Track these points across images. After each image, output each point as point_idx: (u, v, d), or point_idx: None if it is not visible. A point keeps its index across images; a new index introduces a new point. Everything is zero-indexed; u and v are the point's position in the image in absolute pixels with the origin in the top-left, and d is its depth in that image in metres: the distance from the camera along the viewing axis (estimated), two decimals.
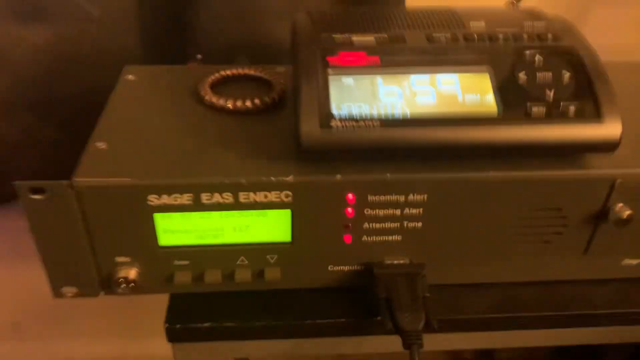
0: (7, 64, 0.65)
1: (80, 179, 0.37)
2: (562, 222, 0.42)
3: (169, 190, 0.38)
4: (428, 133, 0.37)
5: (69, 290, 0.42)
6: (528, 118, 0.37)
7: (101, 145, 0.41)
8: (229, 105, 0.44)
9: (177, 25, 0.67)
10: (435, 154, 0.38)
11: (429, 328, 0.39)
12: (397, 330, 0.39)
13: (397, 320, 0.39)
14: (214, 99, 0.45)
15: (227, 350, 0.44)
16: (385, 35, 0.40)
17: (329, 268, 0.43)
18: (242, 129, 0.43)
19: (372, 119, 0.37)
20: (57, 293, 0.43)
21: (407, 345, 0.38)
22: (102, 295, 0.43)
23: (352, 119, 0.37)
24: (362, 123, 0.37)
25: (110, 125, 0.43)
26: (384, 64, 0.39)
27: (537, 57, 0.40)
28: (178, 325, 0.42)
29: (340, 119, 0.37)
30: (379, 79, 0.38)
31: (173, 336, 0.42)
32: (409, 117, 0.37)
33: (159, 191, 0.38)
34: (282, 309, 0.43)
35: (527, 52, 0.40)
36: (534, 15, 0.44)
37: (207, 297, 0.43)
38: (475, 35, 0.41)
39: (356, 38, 0.40)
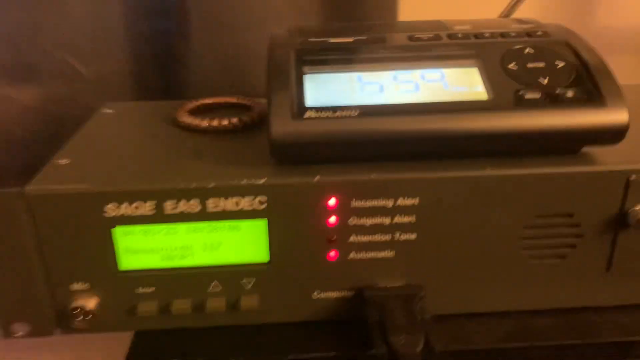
0: None
1: (32, 187, 0.34)
2: (575, 232, 0.37)
3: (129, 197, 0.34)
4: (411, 122, 0.34)
5: (20, 327, 0.37)
6: (521, 102, 0.34)
7: (62, 161, 0.38)
8: (204, 124, 0.42)
9: (168, 85, 0.67)
10: (421, 146, 0.34)
11: (429, 353, 0.33)
12: (392, 354, 0.33)
13: (392, 343, 0.33)
14: (189, 120, 0.42)
15: None
16: (365, 37, 0.38)
17: (314, 295, 0.38)
18: (217, 145, 0.40)
19: (349, 108, 0.33)
20: (6, 331, 0.37)
21: None
22: (58, 334, 0.38)
23: (327, 109, 0.33)
24: (338, 113, 0.33)
25: (75, 146, 0.40)
26: (362, 60, 0.37)
27: (528, 49, 0.37)
28: None
29: (315, 110, 0.33)
30: (358, 75, 0.36)
31: None
32: (389, 105, 0.34)
33: (118, 199, 0.34)
34: (262, 345, 0.37)
35: (517, 46, 0.37)
36: (524, 20, 0.42)
37: (176, 333, 0.38)
38: (460, 34, 0.38)
39: (334, 40, 0.38)
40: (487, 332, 0.38)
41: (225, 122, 0.42)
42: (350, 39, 0.38)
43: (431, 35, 0.38)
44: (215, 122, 0.42)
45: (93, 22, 0.62)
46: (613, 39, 0.72)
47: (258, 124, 0.43)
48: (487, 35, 0.38)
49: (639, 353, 0.38)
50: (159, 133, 0.42)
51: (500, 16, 0.52)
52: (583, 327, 0.38)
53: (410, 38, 0.38)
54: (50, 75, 0.63)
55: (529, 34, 0.39)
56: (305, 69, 0.36)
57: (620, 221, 0.36)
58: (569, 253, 0.37)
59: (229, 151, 0.39)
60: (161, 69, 0.66)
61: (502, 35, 0.38)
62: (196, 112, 0.45)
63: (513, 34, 0.38)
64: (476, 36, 0.38)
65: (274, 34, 0.40)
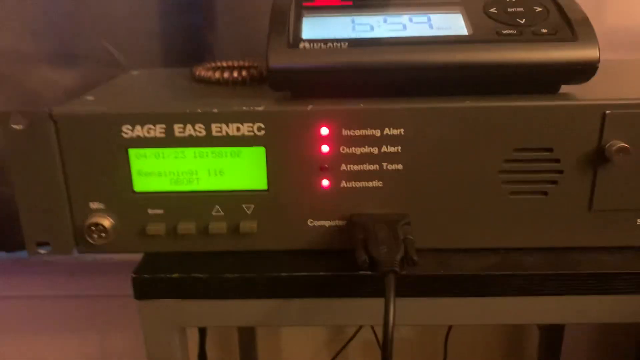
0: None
1: (59, 109, 0.38)
2: (556, 167, 0.39)
3: (142, 120, 0.38)
4: (396, 53, 0.37)
5: (42, 246, 0.41)
6: (499, 37, 0.37)
7: (88, 97, 0.42)
8: (217, 76, 0.46)
9: None
10: (405, 77, 0.38)
11: (409, 264, 0.36)
12: (373, 263, 0.35)
13: (372, 252, 0.36)
14: (204, 73, 0.47)
15: (196, 311, 0.40)
16: None
17: (309, 223, 0.41)
18: (226, 90, 0.44)
19: (340, 41, 0.37)
20: (32, 250, 0.42)
21: (381, 273, 0.34)
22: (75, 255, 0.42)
23: (320, 41, 0.37)
24: (329, 45, 0.37)
25: (100, 90, 0.45)
26: (357, 6, 0.40)
27: None
28: (145, 275, 0.39)
29: (309, 41, 0.37)
30: (351, 17, 0.40)
31: (139, 289, 0.40)
32: (377, 38, 0.37)
33: (132, 121, 0.38)
34: (258, 265, 0.40)
35: None
36: None
37: (181, 255, 0.41)
38: None
39: None
40: (471, 263, 0.40)
41: (235, 74, 0.46)
42: None
43: None
44: (226, 74, 0.46)
45: (132, 13, 0.68)
46: (623, 38, 0.74)
47: (265, 78, 0.47)
48: None
49: (619, 287, 0.39)
50: (176, 84, 0.47)
51: None
52: (565, 263, 0.40)
53: None
54: (90, 62, 0.69)
55: None
56: (304, 12, 0.40)
57: (598, 156, 0.38)
58: (550, 189, 0.39)
59: (236, 94, 0.43)
60: (191, 59, 0.71)
61: None
62: (213, 69, 0.50)
63: None
64: None
65: None
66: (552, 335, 0.79)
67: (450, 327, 0.79)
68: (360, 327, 0.81)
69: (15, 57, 0.68)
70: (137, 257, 0.42)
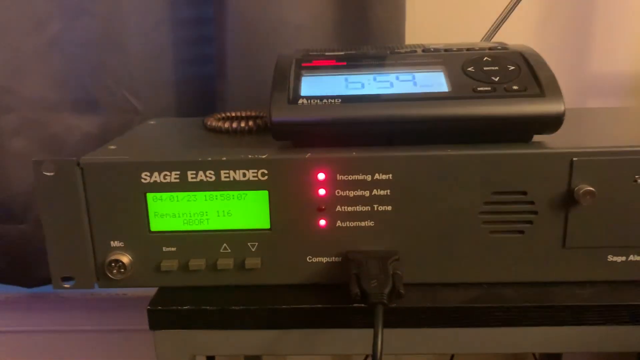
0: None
1: (86, 157, 0.43)
2: (530, 209, 0.43)
3: (159, 167, 0.43)
4: (384, 108, 0.42)
5: (67, 281, 0.46)
6: (475, 93, 0.42)
7: (111, 147, 0.47)
8: (226, 125, 0.51)
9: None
10: (393, 129, 0.42)
11: (397, 296, 0.40)
12: (364, 295, 0.39)
13: (364, 286, 0.40)
14: (215, 123, 0.52)
15: (206, 340, 0.44)
16: (354, 51, 0.48)
17: (308, 259, 0.45)
18: (234, 139, 0.49)
19: (334, 97, 0.42)
20: (57, 284, 0.46)
21: (371, 305, 0.38)
22: (92, 291, 0.46)
23: (317, 97, 0.42)
24: (325, 101, 0.42)
25: (121, 140, 0.50)
26: (350, 66, 0.46)
27: (485, 58, 0.45)
28: (159, 308, 0.44)
29: (307, 98, 0.42)
30: (345, 76, 0.45)
31: (154, 321, 0.44)
32: (367, 95, 0.42)
33: (151, 168, 0.43)
34: (261, 298, 0.44)
35: (476, 55, 0.46)
36: (495, 42, 0.50)
37: (192, 289, 0.45)
38: (432, 49, 0.47)
39: (329, 53, 0.48)
40: (456, 295, 0.44)
41: (242, 124, 0.51)
42: (341, 52, 0.47)
43: (408, 50, 0.47)
44: (234, 124, 0.51)
45: (149, 64, 0.74)
46: (606, 83, 0.79)
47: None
48: (454, 49, 0.47)
49: (593, 319, 0.43)
50: (190, 133, 0.52)
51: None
52: (542, 296, 0.44)
53: (391, 51, 0.47)
54: (109, 108, 0.75)
55: (490, 48, 0.47)
56: (303, 72, 0.45)
57: (569, 198, 0.42)
58: (526, 229, 0.43)
59: (243, 143, 0.48)
60: (204, 108, 0.76)
61: (467, 49, 0.47)
62: (222, 120, 0.55)
63: (477, 49, 0.47)
64: (445, 50, 0.47)
65: (281, 52, 0.50)
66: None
67: (452, 356, 0.82)
68: (367, 356, 0.83)
69: (41, 103, 0.73)
70: (149, 293, 0.46)
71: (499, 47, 0.47)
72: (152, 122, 0.58)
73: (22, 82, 0.73)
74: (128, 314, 0.85)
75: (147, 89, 0.74)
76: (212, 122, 0.52)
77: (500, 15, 0.60)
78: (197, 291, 0.45)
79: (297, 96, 0.43)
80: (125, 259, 0.45)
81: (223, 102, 0.74)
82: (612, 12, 0.77)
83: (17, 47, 0.71)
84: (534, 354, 0.87)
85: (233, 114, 0.56)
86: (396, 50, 0.47)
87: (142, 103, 0.75)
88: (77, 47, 0.73)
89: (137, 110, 0.75)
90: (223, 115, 0.56)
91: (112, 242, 0.45)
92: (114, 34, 0.72)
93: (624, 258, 0.44)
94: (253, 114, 0.56)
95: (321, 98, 0.42)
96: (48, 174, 0.43)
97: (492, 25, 0.60)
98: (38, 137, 0.74)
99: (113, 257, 0.45)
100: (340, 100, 0.42)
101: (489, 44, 0.49)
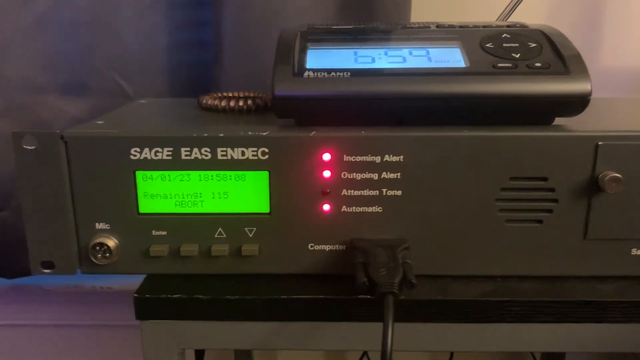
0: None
1: (71, 130, 0.40)
2: (551, 196, 0.40)
3: (150, 143, 0.39)
4: (396, 83, 0.39)
5: (47, 265, 0.42)
6: (495, 69, 0.39)
7: (98, 121, 0.44)
8: (223, 104, 0.48)
9: None
10: (405, 106, 0.39)
11: (408, 286, 0.36)
12: (373, 285, 0.36)
13: (372, 275, 0.36)
14: (210, 101, 0.48)
15: (197, 332, 0.41)
16: (362, 26, 0.44)
17: (310, 247, 0.41)
18: (232, 118, 0.46)
19: (343, 71, 0.39)
20: (37, 270, 0.42)
21: (381, 294, 0.35)
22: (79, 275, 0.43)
23: (324, 70, 0.39)
24: (333, 74, 0.39)
25: (110, 115, 0.47)
26: (359, 39, 0.42)
27: (504, 35, 0.42)
28: (147, 295, 0.40)
29: (314, 70, 0.39)
30: (354, 50, 0.41)
31: (141, 310, 0.40)
32: (378, 69, 0.39)
33: (141, 144, 0.39)
34: (258, 288, 0.41)
35: (495, 32, 0.42)
36: (513, 22, 0.47)
37: (183, 276, 0.42)
38: (447, 25, 0.44)
39: (336, 27, 0.44)
40: (469, 289, 0.41)
41: (240, 103, 0.48)
42: (350, 26, 0.44)
43: (421, 25, 0.44)
44: (232, 103, 0.48)
45: (141, 47, 0.70)
46: (614, 78, 0.76)
47: (270, 108, 0.48)
48: (470, 26, 0.44)
49: (615, 316, 0.40)
50: (183, 111, 0.48)
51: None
52: (561, 290, 0.40)
53: (403, 27, 0.44)
54: (99, 93, 0.71)
55: (508, 26, 0.44)
56: (309, 44, 0.42)
57: (592, 186, 0.39)
58: (545, 218, 0.40)
59: (241, 121, 0.44)
60: (198, 95, 0.73)
61: (484, 26, 0.44)
62: (219, 98, 0.51)
63: (494, 26, 0.44)
64: (461, 26, 0.44)
65: (285, 27, 0.47)
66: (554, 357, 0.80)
67: (452, 354, 0.79)
68: (364, 353, 0.80)
69: (27, 85, 0.69)
70: (136, 286, 0.42)
71: (518, 25, 0.44)
72: (142, 102, 0.55)
73: (7, 62, 0.69)
74: (113, 308, 0.81)
75: (139, 73, 0.71)
76: (208, 100, 0.49)
77: (505, 10, 0.57)
78: (189, 279, 0.42)
79: (302, 69, 0.39)
80: (111, 242, 0.41)
81: (218, 88, 0.71)
82: (620, 7, 0.75)
83: (2, 26, 0.68)
84: (532, 354, 0.84)
85: (230, 94, 0.53)
86: (408, 26, 0.44)
87: (134, 88, 0.71)
88: (66, 27, 0.69)
89: (129, 95, 0.71)
90: (220, 94, 0.52)
91: (97, 224, 0.41)
92: (106, 14, 0.69)
93: None
94: (252, 94, 0.53)
95: (329, 71, 0.39)
96: (29, 147, 0.39)
97: (499, 17, 0.57)
98: (23, 121, 0.71)
99: (98, 240, 0.41)
100: (349, 74, 0.39)
101: (506, 23, 0.46)
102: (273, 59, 0.40)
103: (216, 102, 0.48)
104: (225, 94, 0.53)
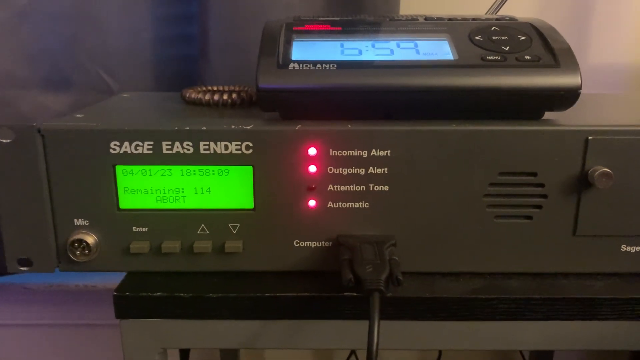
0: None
1: (48, 123, 0.39)
2: (540, 192, 0.39)
3: (130, 136, 0.38)
4: (384, 76, 0.38)
5: (25, 262, 0.41)
6: (484, 62, 0.38)
7: (78, 115, 0.43)
8: (207, 97, 0.47)
9: None
10: (393, 99, 0.38)
11: (395, 283, 0.35)
12: (358, 282, 0.35)
13: (358, 271, 0.35)
14: (194, 94, 0.47)
15: (179, 331, 0.39)
16: (349, 18, 0.44)
17: (295, 244, 0.40)
18: (215, 112, 0.45)
19: (329, 63, 0.38)
20: (13, 267, 0.41)
21: (367, 292, 0.34)
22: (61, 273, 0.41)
23: (309, 62, 0.38)
24: (319, 66, 0.38)
25: (90, 109, 0.46)
26: (346, 32, 0.41)
27: (493, 28, 0.41)
28: (127, 294, 0.39)
29: (299, 62, 0.38)
30: (340, 41, 0.41)
31: (121, 308, 0.39)
32: (365, 61, 0.38)
33: (121, 137, 0.38)
34: (242, 286, 0.40)
35: (484, 24, 0.42)
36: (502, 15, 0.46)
37: (164, 274, 0.41)
38: (435, 18, 0.43)
39: (322, 18, 0.43)
40: (457, 286, 0.40)
41: (225, 97, 0.47)
42: (336, 18, 0.43)
43: (409, 18, 0.43)
44: (216, 97, 0.47)
45: (125, 41, 0.69)
46: (603, 75, 0.76)
47: (255, 102, 0.47)
48: (459, 18, 0.43)
49: (605, 313, 0.39)
50: (166, 105, 0.47)
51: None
52: (550, 287, 0.40)
53: (391, 19, 0.43)
54: (83, 87, 0.70)
55: (498, 19, 0.43)
56: (294, 36, 0.41)
57: (582, 181, 0.39)
58: (535, 214, 0.40)
59: (225, 115, 0.43)
60: (183, 88, 0.72)
61: (473, 19, 0.43)
62: (203, 92, 0.50)
63: (483, 19, 0.43)
64: (449, 19, 0.43)
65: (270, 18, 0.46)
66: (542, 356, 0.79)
67: (440, 353, 0.78)
68: (352, 352, 0.79)
69: (8, 80, 0.68)
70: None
71: (507, 18, 0.43)
72: (125, 95, 0.53)
73: None
74: (95, 307, 0.80)
75: (123, 68, 0.70)
76: (192, 94, 0.48)
77: (494, 4, 0.57)
78: (171, 277, 0.41)
79: (287, 60, 0.38)
80: (90, 239, 0.40)
81: (204, 83, 0.70)
82: (608, 4, 0.75)
83: None
84: (521, 352, 0.84)
85: (215, 88, 0.52)
86: (396, 18, 0.43)
87: (118, 83, 0.70)
88: (48, 20, 0.68)
89: (112, 91, 0.70)
90: (204, 88, 0.51)
91: (75, 220, 0.40)
92: (89, 7, 0.68)
93: (638, 248, 0.40)
94: (237, 88, 0.52)
95: (314, 63, 0.38)
96: (4, 140, 0.38)
97: (487, 12, 0.56)
98: (3, 116, 0.69)
99: (76, 237, 0.40)
100: (335, 66, 0.38)
101: (495, 16, 0.45)
102: (257, 55, 0.39)
103: (200, 95, 0.47)
104: (209, 88, 0.51)
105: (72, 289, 0.80)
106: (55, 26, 0.67)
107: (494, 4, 0.52)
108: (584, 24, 0.76)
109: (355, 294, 0.38)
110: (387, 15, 0.45)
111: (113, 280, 0.41)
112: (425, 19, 0.43)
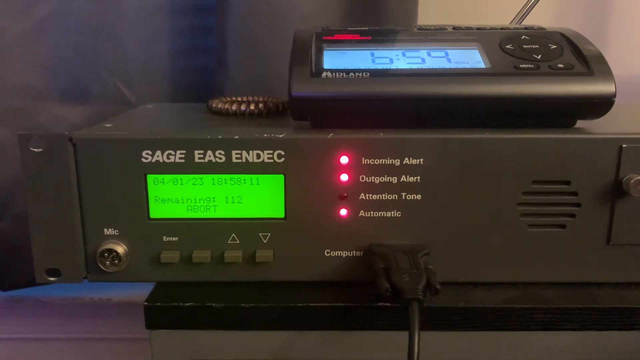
0: None
1: (80, 132, 0.38)
2: (574, 200, 0.39)
3: (163, 145, 0.38)
4: (416, 84, 0.38)
5: (53, 273, 0.40)
6: (516, 70, 0.38)
7: (107, 125, 0.42)
8: (234, 108, 0.47)
9: None
10: (425, 108, 0.38)
11: (432, 292, 0.35)
12: (396, 292, 0.35)
13: (395, 281, 0.35)
14: (220, 105, 0.47)
15: (210, 342, 0.39)
16: (378, 27, 0.44)
17: (326, 253, 0.40)
18: (242, 121, 0.45)
19: (362, 71, 0.38)
20: (41, 277, 0.41)
21: (405, 301, 0.34)
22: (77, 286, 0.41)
23: (342, 71, 0.38)
24: (351, 75, 0.38)
25: (117, 119, 0.45)
26: (375, 41, 0.41)
27: (524, 36, 0.41)
28: (158, 304, 0.38)
29: (331, 71, 0.38)
30: (371, 50, 0.41)
31: (151, 319, 0.38)
32: (397, 69, 0.38)
33: (153, 146, 0.38)
34: (273, 296, 0.39)
35: (514, 33, 0.42)
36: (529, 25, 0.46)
37: (195, 284, 0.40)
38: (464, 27, 0.43)
39: (351, 28, 0.43)
40: (491, 296, 0.39)
41: (252, 107, 0.46)
42: (365, 27, 0.43)
43: (437, 27, 0.43)
44: (243, 107, 0.47)
45: (143, 52, 0.69)
46: (625, 87, 0.76)
47: (282, 111, 0.47)
48: (487, 28, 0.43)
49: None
50: (193, 115, 0.47)
51: None
52: (585, 297, 0.39)
53: (419, 28, 0.43)
54: (100, 99, 0.70)
55: (526, 28, 0.43)
56: (325, 45, 0.41)
57: (616, 190, 0.38)
58: (568, 223, 0.39)
59: (254, 124, 0.43)
60: (201, 101, 0.72)
61: (502, 28, 0.43)
62: (230, 102, 0.50)
63: (512, 28, 0.43)
64: (478, 28, 0.43)
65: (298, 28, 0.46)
66: None
67: None
68: None
69: (26, 91, 0.68)
70: (134, 298, 0.41)
71: (536, 27, 0.43)
72: (149, 106, 0.53)
73: (6, 67, 0.67)
74: (111, 321, 0.79)
75: (141, 79, 0.70)
76: (218, 104, 0.48)
77: (517, 15, 0.57)
78: (201, 287, 0.40)
79: (320, 69, 0.38)
80: (120, 249, 0.40)
81: (222, 94, 0.70)
82: (625, 15, 0.75)
83: (2, 30, 0.66)
84: None
85: (240, 99, 0.52)
86: (424, 28, 0.43)
87: (135, 94, 0.70)
88: (67, 32, 0.68)
89: (130, 102, 0.70)
90: (230, 98, 0.51)
91: (105, 230, 0.40)
92: (108, 19, 0.68)
93: None
94: (262, 98, 0.52)
95: (347, 71, 0.38)
96: (36, 150, 0.38)
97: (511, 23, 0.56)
98: (21, 128, 0.69)
99: (106, 247, 0.39)
100: (368, 74, 0.38)
101: (523, 25, 0.45)
102: (279, 65, 0.39)
103: (226, 105, 0.47)
104: (235, 98, 0.51)
105: (87, 302, 0.79)
106: (73, 38, 0.68)
107: (517, 14, 0.52)
108: (601, 35, 0.76)
109: (389, 304, 0.37)
110: (415, 25, 0.45)
111: (128, 293, 0.41)
112: (454, 28, 0.43)
